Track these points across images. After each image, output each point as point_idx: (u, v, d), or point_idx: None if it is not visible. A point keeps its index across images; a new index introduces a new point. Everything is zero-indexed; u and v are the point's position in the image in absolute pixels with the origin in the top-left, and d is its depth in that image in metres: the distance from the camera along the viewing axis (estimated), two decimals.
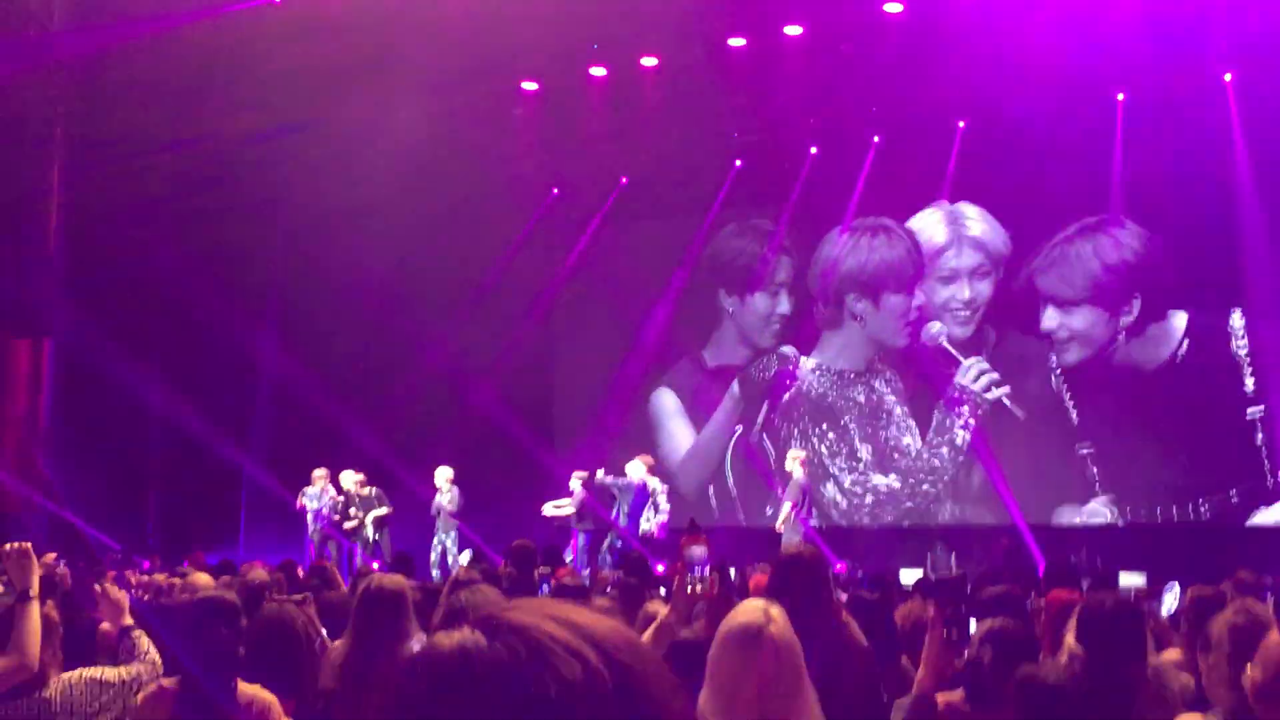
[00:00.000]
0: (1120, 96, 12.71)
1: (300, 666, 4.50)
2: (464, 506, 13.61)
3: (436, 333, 14.93)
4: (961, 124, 13.54)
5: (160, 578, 8.08)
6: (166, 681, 3.67)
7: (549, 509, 13.79)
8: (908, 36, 12.06)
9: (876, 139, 14.12)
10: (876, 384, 14.47)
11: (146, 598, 6.44)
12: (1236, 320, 12.26)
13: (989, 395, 13.59)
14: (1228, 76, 12.20)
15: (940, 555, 12.50)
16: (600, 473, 13.49)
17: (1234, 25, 11.30)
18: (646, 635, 3.44)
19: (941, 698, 3.36)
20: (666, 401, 15.80)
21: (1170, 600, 6.61)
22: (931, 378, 13.95)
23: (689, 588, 3.37)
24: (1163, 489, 12.48)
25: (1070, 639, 3.70)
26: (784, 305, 15.21)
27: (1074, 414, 13.09)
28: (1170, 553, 11.24)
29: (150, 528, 14.76)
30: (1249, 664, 2.80)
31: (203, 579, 6.17)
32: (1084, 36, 11.37)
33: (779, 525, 11.97)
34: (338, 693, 4.01)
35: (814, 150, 14.58)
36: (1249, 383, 12.14)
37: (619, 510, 13.24)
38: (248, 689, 3.64)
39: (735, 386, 15.20)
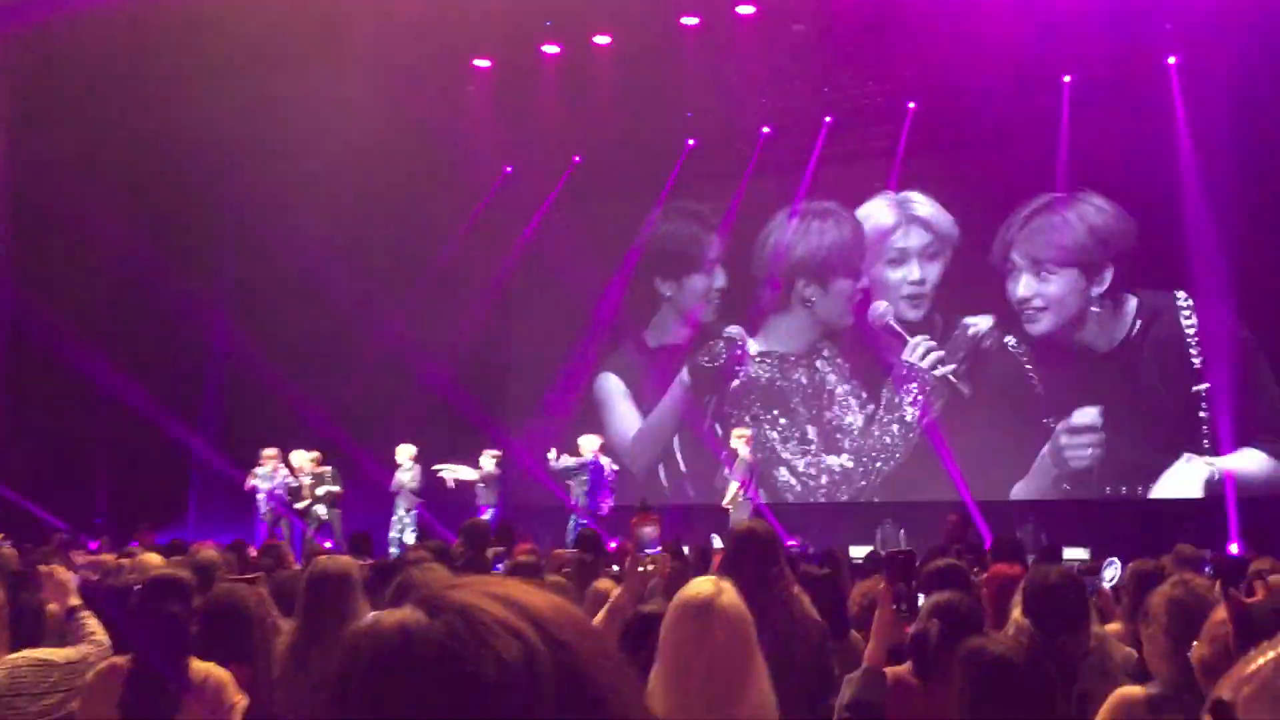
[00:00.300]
0: (1067, 79, 12.87)
1: (253, 645, 4.49)
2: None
3: (389, 311, 14.83)
4: (912, 105, 13.64)
5: (108, 558, 8.00)
6: (119, 660, 3.65)
7: (445, 471, 13.67)
8: (860, 17, 12.14)
9: (828, 119, 14.19)
10: (818, 364, 14.62)
11: (95, 578, 6.37)
12: (1181, 301, 12.51)
13: (935, 372, 13.78)
14: (1171, 60, 12.38)
15: (889, 531, 12.67)
16: (552, 454, 13.45)
17: (1178, 9, 11.48)
18: (599, 616, 3.47)
19: (890, 671, 3.42)
20: (611, 385, 15.84)
21: (1111, 574, 6.76)
22: (880, 357, 14.11)
23: (640, 567, 3.40)
24: (1110, 464, 12.72)
25: (1016, 612, 3.79)
26: (720, 280, 15.36)
27: (1039, 388, 13.26)
28: (1115, 527, 11.48)
29: (98, 508, 14.56)
30: (1196, 640, 2.87)
31: (152, 559, 6.13)
32: (1032, 19, 11.49)
33: (726, 503, 12.07)
34: (284, 674, 4.00)
35: (766, 130, 14.63)
36: (1195, 362, 12.39)
37: (577, 493, 13.22)
38: (201, 667, 3.63)
39: (685, 374, 15.24)
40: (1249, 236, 11.82)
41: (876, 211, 14.37)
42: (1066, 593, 3.73)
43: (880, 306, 14.04)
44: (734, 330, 15.10)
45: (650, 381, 15.50)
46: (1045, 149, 13.02)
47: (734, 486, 12.15)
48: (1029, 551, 8.36)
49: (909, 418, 13.99)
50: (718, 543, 9.59)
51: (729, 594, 2.62)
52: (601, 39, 13.35)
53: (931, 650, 3.35)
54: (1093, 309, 13.00)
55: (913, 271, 14.06)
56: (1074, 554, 9.81)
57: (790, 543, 9.72)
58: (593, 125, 14.48)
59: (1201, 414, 12.20)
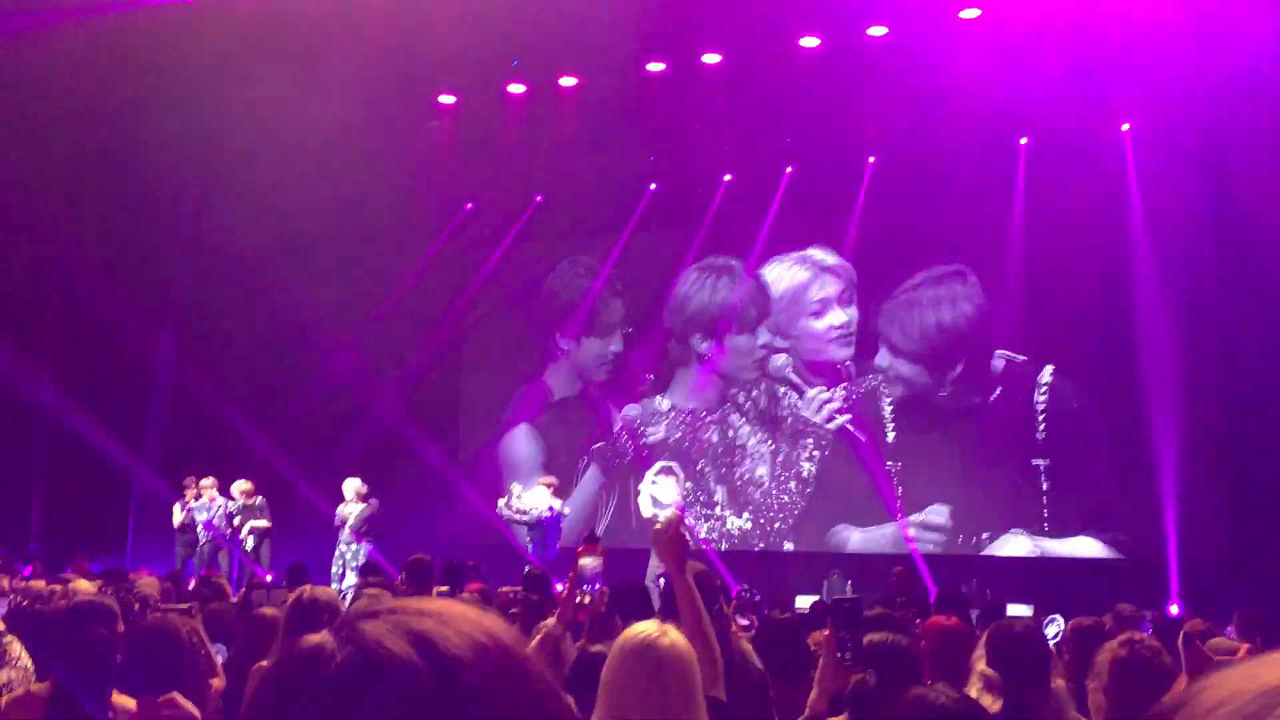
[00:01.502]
0: (1024, 141, 13.12)
1: (184, 676, 4.39)
2: (376, 521, 13.26)
3: (342, 342, 14.72)
4: (872, 159, 13.83)
5: (39, 584, 7.80)
6: (36, 687, 3.54)
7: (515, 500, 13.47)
8: (823, 71, 12.31)
9: (789, 169, 14.34)
10: (731, 418, 14.73)
11: (25, 603, 6.21)
12: (1046, 376, 12.81)
13: (830, 425, 13.97)
14: (1125, 126, 12.67)
15: (836, 582, 12.66)
16: (501, 503, 13.30)
17: (1133, 78, 11.75)
18: (531, 644, 3.42)
19: None
20: (520, 446, 15.71)
21: (1054, 630, 6.80)
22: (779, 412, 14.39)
23: (578, 598, 3.36)
24: (1055, 520, 12.84)
25: (981, 665, 3.79)
26: (616, 344, 15.51)
27: (891, 436, 13.63)
28: (1057, 584, 11.55)
29: (33, 532, 14.23)
30: (1134, 700, 2.87)
31: (84, 586, 5.98)
32: (992, 81, 11.71)
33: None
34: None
35: (728, 177, 14.76)
36: (1040, 431, 12.78)
37: (527, 539, 13.09)
38: (124, 700, 3.53)
39: (595, 469, 15.23)
40: (1192, 300, 12.10)
41: (784, 272, 14.62)
42: (1033, 645, 3.74)
43: (778, 360, 14.29)
44: (632, 412, 15.17)
45: (560, 431, 15.45)
46: (1000, 208, 13.24)
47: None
48: (973, 606, 8.40)
49: (805, 473, 14.15)
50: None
51: (673, 635, 2.59)
52: (568, 80, 13.44)
53: (869, 699, 3.34)
54: (941, 393, 13.39)
55: (837, 316, 14.28)
56: (1017, 609, 9.85)
57: (738, 589, 9.69)
58: (556, 165, 14.54)
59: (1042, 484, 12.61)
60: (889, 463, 13.63)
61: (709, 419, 14.84)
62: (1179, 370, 11.97)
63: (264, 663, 4.38)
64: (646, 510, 12.33)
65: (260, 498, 13.37)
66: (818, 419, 14.08)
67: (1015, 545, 12.90)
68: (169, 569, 9.96)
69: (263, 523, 13.25)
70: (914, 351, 13.77)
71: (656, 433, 15.03)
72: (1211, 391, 12.10)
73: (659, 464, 14.40)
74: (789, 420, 14.30)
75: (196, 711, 3.62)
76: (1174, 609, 10.53)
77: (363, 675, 0.85)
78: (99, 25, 11.55)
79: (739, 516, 14.48)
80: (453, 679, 0.85)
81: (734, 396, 14.75)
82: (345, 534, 13.15)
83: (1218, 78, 11.07)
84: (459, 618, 0.91)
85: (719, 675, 2.97)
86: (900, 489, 13.60)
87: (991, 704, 3.60)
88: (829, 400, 14.03)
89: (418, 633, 0.88)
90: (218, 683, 5.02)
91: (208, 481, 13.34)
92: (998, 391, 13.21)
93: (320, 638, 0.89)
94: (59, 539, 13.52)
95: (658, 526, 3.23)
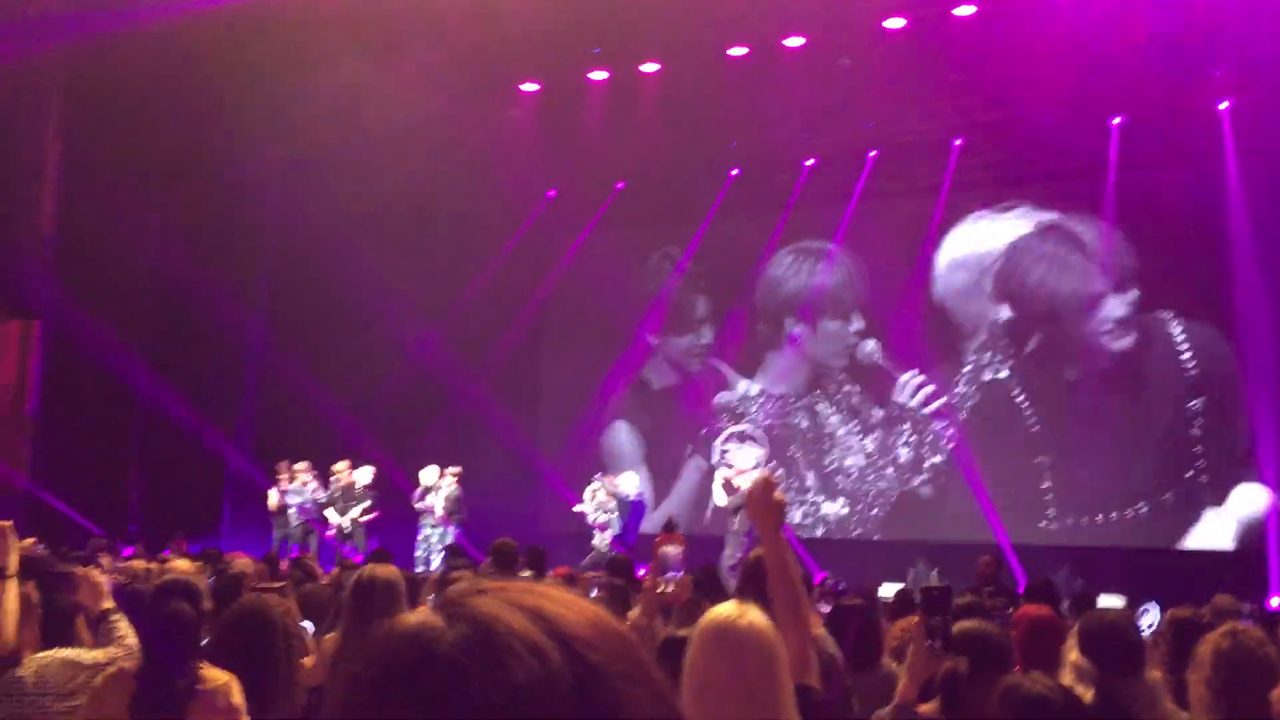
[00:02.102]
0: (1116, 120, 12.78)
1: (277, 655, 4.49)
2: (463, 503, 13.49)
3: (427, 329, 14.91)
4: (958, 142, 13.59)
5: (139, 564, 8.05)
6: (127, 663, 3.64)
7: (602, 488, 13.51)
8: (908, 53, 12.11)
9: (873, 154, 14.16)
10: (819, 407, 14.57)
11: (126, 582, 6.41)
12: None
13: (927, 409, 13.74)
14: (1224, 105, 12.27)
15: (922, 571, 12.52)
16: (588, 503, 13.34)
17: (1229, 54, 11.37)
18: None
19: (924, 708, 3.36)
20: (621, 440, 15.71)
21: (1149, 620, 6.64)
22: (874, 398, 14.18)
23: (659, 588, 3.35)
24: (1149, 509, 12.53)
25: (1074, 655, 3.72)
26: (707, 337, 15.47)
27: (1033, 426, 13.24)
28: (1150, 575, 11.28)
29: (133, 514, 14.68)
30: (1238, 692, 2.79)
31: (182, 565, 6.15)
32: (1082, 60, 11.41)
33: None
34: (326, 685, 4.00)
35: (810, 162, 14.62)
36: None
37: (615, 523, 13.14)
38: (214, 673, 3.61)
39: (700, 457, 15.17)
40: None
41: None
42: (1127, 633, 3.66)
43: (868, 345, 14.07)
44: (725, 398, 15.11)
45: (661, 423, 15.43)
46: (1093, 190, 12.93)
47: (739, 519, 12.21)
48: (1063, 597, 8.23)
49: (903, 459, 13.93)
50: None
51: (755, 616, 2.57)
52: (649, 67, 13.41)
53: (961, 687, 3.29)
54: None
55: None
56: (1109, 600, 9.64)
57: (818, 576, 9.62)
58: (637, 152, 14.53)
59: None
60: (1040, 458, 13.22)
61: (798, 404, 14.73)
62: (1277, 357, 11.59)
63: (330, 636, 4.46)
64: (720, 498, 12.28)
65: (358, 477, 13.60)
66: (913, 404, 13.86)
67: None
68: (264, 550, 10.19)
69: (359, 507, 13.53)
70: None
71: (750, 417, 14.95)
72: None
73: (727, 431, 14.39)
74: (888, 409, 14.05)
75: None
76: (1275, 601, 10.22)
77: (484, 651, 0.81)
78: (187, 17, 11.81)
79: (834, 501, 14.35)
80: (579, 656, 0.83)
81: (824, 384, 14.62)
82: (431, 518, 13.35)
83: None
84: (571, 600, 0.88)
85: (812, 661, 2.92)
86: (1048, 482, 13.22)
87: (1084, 694, 3.53)
88: (924, 384, 13.80)
89: (534, 608, 0.85)
90: (309, 662, 5.13)
91: (301, 465, 13.64)
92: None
93: (422, 615, 0.86)
94: (157, 522, 13.93)
95: (751, 487, 3.04)
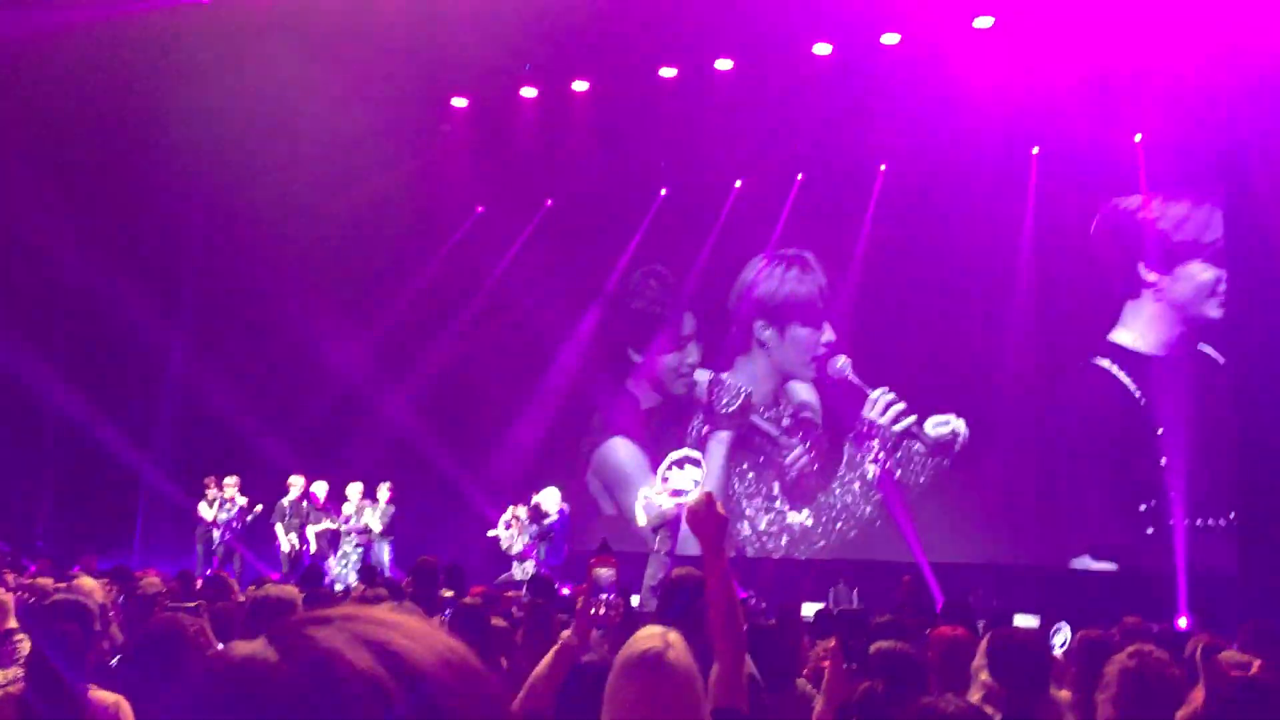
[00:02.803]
0: (1035, 150, 13.10)
1: (190, 675, 4.37)
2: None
3: (353, 344, 14.73)
4: (883, 167, 13.82)
5: (45, 581, 7.81)
6: (13, 687, 3.53)
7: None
8: (835, 78, 12.30)
9: (800, 176, 14.33)
10: (784, 420, 14.64)
11: (31, 600, 6.22)
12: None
13: (896, 427, 13.82)
14: (1138, 137, 12.64)
15: (843, 591, 12.63)
16: (502, 530, 13.23)
17: (1145, 88, 11.72)
18: (547, 657, 3.41)
19: None
20: (622, 456, 15.48)
21: (1061, 639, 6.77)
22: (842, 412, 14.17)
23: (592, 609, 3.34)
24: (1062, 531, 12.79)
25: (984, 675, 3.78)
26: (693, 356, 15.33)
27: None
28: (1064, 595, 11.51)
29: (40, 530, 14.27)
30: (1145, 714, 2.84)
31: (88, 583, 5.99)
32: (1005, 91, 11.69)
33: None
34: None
35: (738, 183, 14.75)
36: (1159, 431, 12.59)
37: (541, 547, 13.05)
38: (106, 696, 3.52)
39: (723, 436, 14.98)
40: None
41: None
42: (1033, 653, 3.73)
43: (839, 361, 14.12)
44: (703, 377, 15.16)
45: (651, 438, 15.36)
46: (1012, 216, 13.23)
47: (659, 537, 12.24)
48: (979, 616, 8.36)
49: (870, 475, 14.01)
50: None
51: (678, 648, 2.57)
52: (580, 85, 13.45)
53: (878, 708, 3.33)
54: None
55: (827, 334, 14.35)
56: (1024, 620, 9.81)
57: (744, 595, 9.68)
58: (566, 170, 14.55)
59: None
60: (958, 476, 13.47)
61: (764, 411, 14.74)
62: (1189, 384, 11.93)
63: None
64: (640, 518, 12.29)
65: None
66: (883, 421, 13.90)
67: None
68: (178, 568, 9.97)
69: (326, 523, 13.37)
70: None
71: (733, 405, 14.84)
72: (1221, 402, 12.05)
73: (670, 457, 14.39)
74: (857, 424, 14.09)
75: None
76: (1181, 622, 10.49)
77: (320, 692, 0.74)
78: (113, 25, 11.59)
79: (798, 512, 14.36)
80: (427, 697, 0.76)
81: (786, 393, 14.61)
82: (355, 536, 13.17)
83: (1229, 88, 11.04)
84: (422, 632, 0.81)
85: (744, 684, 2.91)
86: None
87: (993, 713, 3.59)
88: (893, 402, 13.87)
89: (383, 644, 0.77)
90: None
91: (230, 481, 13.40)
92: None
93: (253, 647, 0.77)
94: (67, 537, 13.57)
95: (692, 504, 2.98)
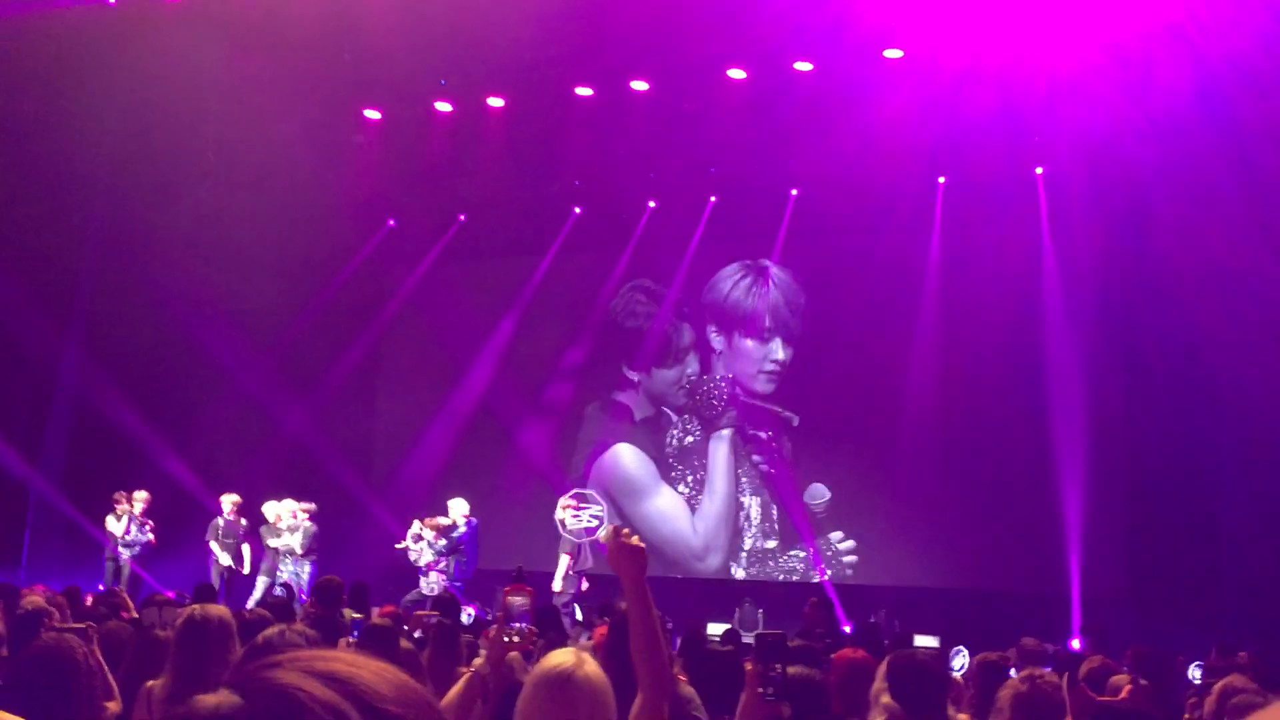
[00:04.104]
0: (941, 180, 13.41)
1: (78, 698, 4.23)
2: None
3: (254, 355, 14.42)
4: (795, 191, 14.01)
5: None
6: None
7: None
8: (749, 103, 12.45)
9: (714, 198, 14.47)
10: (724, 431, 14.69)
11: None
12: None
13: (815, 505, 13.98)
14: (1039, 170, 13.02)
15: (748, 610, 12.70)
16: (411, 543, 13.02)
17: (1048, 123, 12.09)
18: (457, 686, 3.36)
19: None
20: (628, 461, 15.26)
21: (960, 662, 6.91)
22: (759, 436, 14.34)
23: (506, 637, 3.30)
24: (963, 552, 13.04)
25: (886, 698, 3.83)
26: (692, 367, 15.14)
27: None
28: (962, 616, 11.74)
29: None
30: None
31: None
32: (912, 120, 11.94)
33: (555, 584, 12.07)
34: None
35: (652, 204, 14.83)
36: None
37: (451, 561, 12.87)
38: (2, 715, 3.38)
39: (728, 440, 14.79)
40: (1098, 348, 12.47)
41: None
42: (931, 675, 3.80)
43: (816, 492, 14.01)
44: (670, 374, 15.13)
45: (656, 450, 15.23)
46: (918, 243, 13.52)
47: (564, 561, 12.20)
48: (884, 637, 8.49)
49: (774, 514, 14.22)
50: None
51: (589, 665, 2.56)
52: (495, 101, 13.40)
53: None
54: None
55: (776, 352, 14.39)
56: (924, 641, 9.98)
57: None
58: (480, 185, 14.47)
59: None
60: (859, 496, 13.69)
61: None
62: (1084, 408, 12.29)
63: (152, 683, 4.25)
64: (559, 584, 12.29)
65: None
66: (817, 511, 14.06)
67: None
68: (65, 585, 9.61)
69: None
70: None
71: (722, 398, 14.71)
72: (1116, 430, 12.43)
73: (572, 491, 14.37)
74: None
75: None
76: (1075, 644, 10.77)
77: (284, 717, 0.82)
78: (16, 24, 11.22)
79: (768, 540, 14.36)
80: (381, 714, 0.84)
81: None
82: (288, 557, 12.84)
83: (1131, 124, 11.43)
84: (361, 660, 0.89)
85: (664, 715, 2.90)
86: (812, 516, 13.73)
87: None
88: (847, 550, 13.96)
89: (332, 674, 0.85)
90: (114, 706, 4.85)
91: (140, 495, 12.99)
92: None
93: (222, 695, 0.85)
94: None
95: (607, 540, 2.97)
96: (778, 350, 14.45)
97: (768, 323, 14.58)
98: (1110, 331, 12.69)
